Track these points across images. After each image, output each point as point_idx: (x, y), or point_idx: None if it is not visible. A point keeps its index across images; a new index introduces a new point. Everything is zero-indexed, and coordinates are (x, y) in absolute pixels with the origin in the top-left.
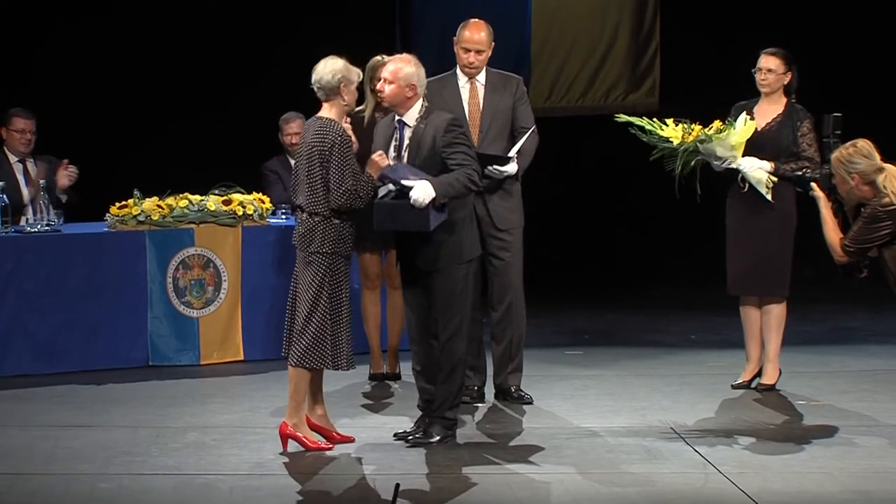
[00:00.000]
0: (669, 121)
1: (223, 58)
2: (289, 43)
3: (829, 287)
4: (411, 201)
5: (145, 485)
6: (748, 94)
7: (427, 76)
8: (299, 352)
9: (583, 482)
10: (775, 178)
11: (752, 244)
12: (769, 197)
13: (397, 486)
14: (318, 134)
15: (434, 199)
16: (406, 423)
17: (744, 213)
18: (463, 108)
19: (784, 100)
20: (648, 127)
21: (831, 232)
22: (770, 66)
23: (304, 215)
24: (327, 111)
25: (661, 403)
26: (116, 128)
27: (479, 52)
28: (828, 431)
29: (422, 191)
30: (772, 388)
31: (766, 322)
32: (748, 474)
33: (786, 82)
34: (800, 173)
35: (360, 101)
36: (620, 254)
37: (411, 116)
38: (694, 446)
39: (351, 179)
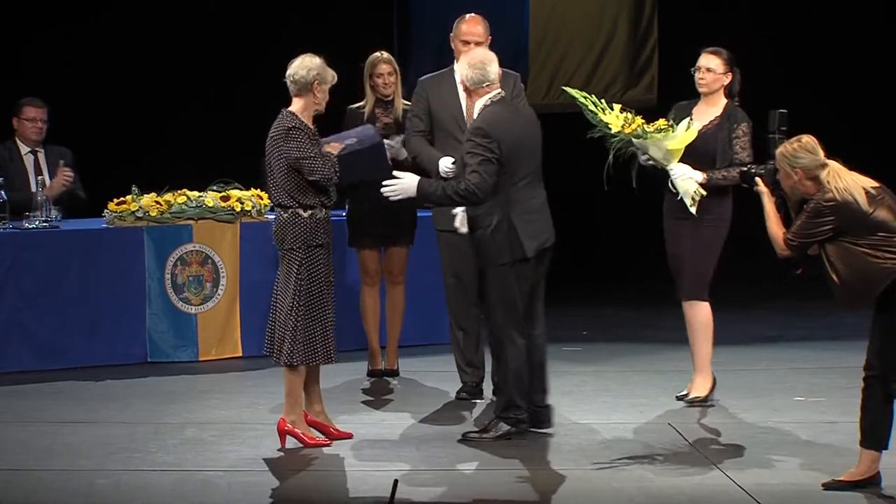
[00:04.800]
0: (616, 106)
1: (221, 53)
2: (286, 38)
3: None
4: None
5: (143, 481)
6: (744, 89)
7: (424, 73)
8: (285, 350)
9: (581, 478)
10: (704, 192)
11: (680, 248)
12: (693, 210)
13: (395, 482)
14: (274, 127)
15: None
16: (405, 420)
17: (676, 216)
18: (460, 105)
19: (724, 101)
20: (591, 108)
21: (774, 226)
22: (709, 66)
23: (277, 210)
24: (294, 106)
25: (660, 399)
26: (114, 124)
27: (477, 44)
28: (826, 426)
29: (405, 186)
30: (705, 400)
31: (691, 329)
32: (746, 470)
33: (726, 83)
34: (745, 169)
35: (359, 97)
36: (618, 249)
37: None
38: (692, 442)
39: (319, 158)
